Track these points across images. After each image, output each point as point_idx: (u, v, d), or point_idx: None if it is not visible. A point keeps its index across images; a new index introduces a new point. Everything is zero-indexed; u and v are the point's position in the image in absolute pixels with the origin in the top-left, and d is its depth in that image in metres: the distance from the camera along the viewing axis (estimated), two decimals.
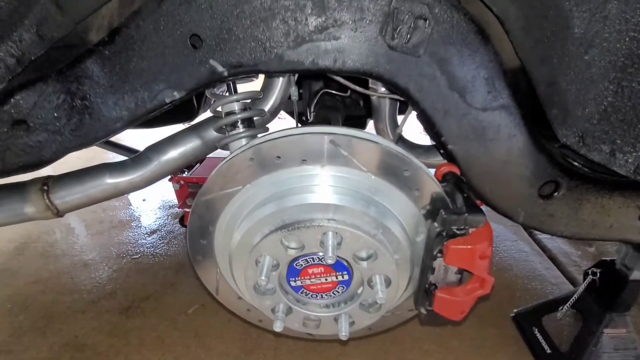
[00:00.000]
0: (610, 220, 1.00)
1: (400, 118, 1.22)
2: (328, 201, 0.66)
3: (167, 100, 0.86)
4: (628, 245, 1.23)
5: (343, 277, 0.74)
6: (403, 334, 1.52)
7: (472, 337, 1.53)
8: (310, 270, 0.73)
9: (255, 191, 0.71)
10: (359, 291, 0.76)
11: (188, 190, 2.27)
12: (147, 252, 2.09)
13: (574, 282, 1.81)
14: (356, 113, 1.66)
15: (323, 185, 0.68)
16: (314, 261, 0.71)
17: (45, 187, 0.99)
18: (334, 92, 1.54)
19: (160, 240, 2.19)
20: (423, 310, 0.76)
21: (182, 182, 2.24)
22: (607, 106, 0.79)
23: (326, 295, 0.77)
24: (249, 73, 0.83)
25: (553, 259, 1.97)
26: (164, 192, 2.72)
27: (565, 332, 1.49)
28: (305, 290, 0.76)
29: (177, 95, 0.85)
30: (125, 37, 0.79)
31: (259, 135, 0.88)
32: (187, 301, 1.73)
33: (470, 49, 0.77)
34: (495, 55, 0.78)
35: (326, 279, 0.74)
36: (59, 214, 1.03)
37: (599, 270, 1.28)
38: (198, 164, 2.38)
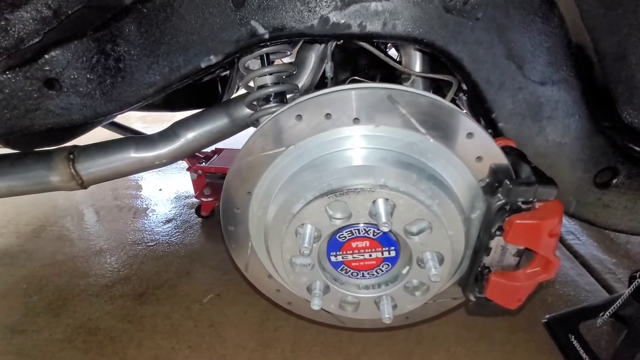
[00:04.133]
0: None
1: None
2: (380, 165, 0.60)
3: (203, 65, 0.83)
4: None
5: (390, 254, 0.68)
6: (428, 335, 1.44)
7: (502, 342, 1.44)
8: (354, 244, 0.67)
9: (299, 153, 0.65)
10: (404, 271, 0.69)
11: (205, 179, 2.25)
12: (162, 241, 2.05)
13: (609, 290, 1.70)
14: None
15: (376, 147, 0.62)
16: (359, 233, 0.65)
17: (71, 156, 0.97)
18: (362, 80, 1.49)
19: (176, 229, 2.16)
20: (472, 297, 0.70)
21: (199, 171, 2.22)
22: None
23: (368, 273, 0.70)
24: (291, 37, 0.79)
25: (586, 265, 1.86)
26: (180, 182, 2.71)
27: (603, 341, 1.39)
28: (345, 267, 0.70)
29: (213, 59, 0.81)
30: None
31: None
32: (202, 290, 1.69)
33: (534, 13, 0.71)
34: (561, 21, 0.72)
35: (370, 255, 0.68)
36: (83, 184, 0.99)
37: None
38: (216, 155, 2.36)
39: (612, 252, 1.93)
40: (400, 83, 1.12)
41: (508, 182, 0.58)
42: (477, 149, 0.63)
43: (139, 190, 2.63)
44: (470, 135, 0.62)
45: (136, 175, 2.82)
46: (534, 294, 0.67)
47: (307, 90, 1.11)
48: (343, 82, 1.50)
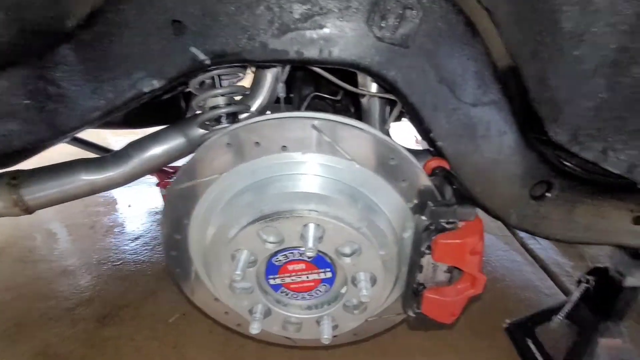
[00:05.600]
0: (604, 223, 0.98)
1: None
2: (309, 190, 0.62)
3: (146, 90, 0.83)
4: (621, 250, 1.21)
5: (325, 275, 0.69)
6: (393, 346, 1.46)
7: (465, 350, 1.48)
8: (290, 267, 0.68)
9: (232, 180, 0.67)
10: (343, 291, 0.71)
11: None
12: (129, 259, 2.01)
13: (567, 293, 1.76)
14: None
15: (304, 174, 0.64)
16: (294, 256, 0.67)
17: (14, 182, 0.94)
18: (324, 95, 1.51)
19: (144, 247, 2.11)
20: (411, 313, 0.72)
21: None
22: (599, 102, 0.77)
23: (308, 295, 0.71)
24: (233, 62, 0.80)
25: (545, 269, 1.94)
26: (150, 197, 2.66)
27: (560, 343, 1.44)
28: (285, 290, 0.71)
29: (156, 84, 0.82)
30: (105, 22, 0.76)
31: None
32: (167, 310, 1.66)
33: (459, 41, 0.75)
34: (485, 48, 0.77)
35: (307, 277, 0.69)
36: (28, 210, 0.97)
37: (592, 278, 1.25)
38: None
39: (569, 255, 2.02)
40: (358, 100, 1.16)
41: (430, 204, 0.62)
42: (402, 172, 0.66)
43: (107, 207, 2.57)
44: (393, 160, 0.65)
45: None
46: (466, 307, 0.70)
47: (265, 108, 1.13)
48: (306, 98, 1.53)
